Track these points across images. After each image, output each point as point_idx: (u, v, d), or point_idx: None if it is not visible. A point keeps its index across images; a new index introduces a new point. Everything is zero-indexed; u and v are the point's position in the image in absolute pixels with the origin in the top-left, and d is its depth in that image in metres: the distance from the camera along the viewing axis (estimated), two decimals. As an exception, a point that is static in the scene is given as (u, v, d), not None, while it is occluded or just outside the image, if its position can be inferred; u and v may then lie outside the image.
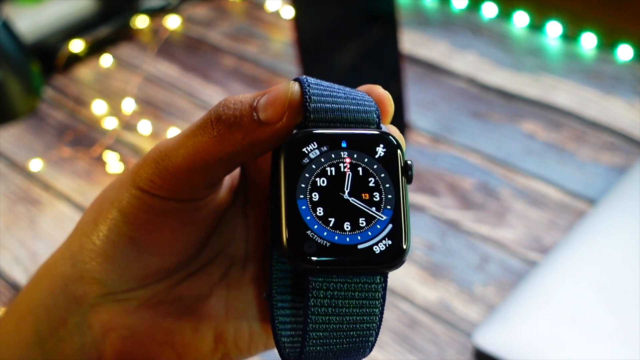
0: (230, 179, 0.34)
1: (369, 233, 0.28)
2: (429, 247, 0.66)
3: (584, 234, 0.62)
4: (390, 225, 0.28)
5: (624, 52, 0.85)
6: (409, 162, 0.29)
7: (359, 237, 0.28)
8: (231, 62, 0.94)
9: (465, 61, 0.88)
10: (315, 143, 0.28)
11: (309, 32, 0.70)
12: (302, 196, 0.28)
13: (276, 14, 1.02)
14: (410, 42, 0.92)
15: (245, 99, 0.29)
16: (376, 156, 0.28)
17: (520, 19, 0.93)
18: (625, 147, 0.74)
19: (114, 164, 0.79)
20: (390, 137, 0.29)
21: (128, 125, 0.85)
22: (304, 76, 0.30)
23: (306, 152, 0.28)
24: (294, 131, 0.29)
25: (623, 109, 0.78)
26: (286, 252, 0.28)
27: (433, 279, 0.63)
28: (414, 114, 0.80)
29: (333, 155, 0.28)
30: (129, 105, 0.87)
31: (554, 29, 0.90)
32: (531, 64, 0.87)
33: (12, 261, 0.70)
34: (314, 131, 0.28)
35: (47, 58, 0.95)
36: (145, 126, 0.84)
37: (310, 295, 0.28)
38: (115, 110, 0.87)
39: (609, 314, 0.55)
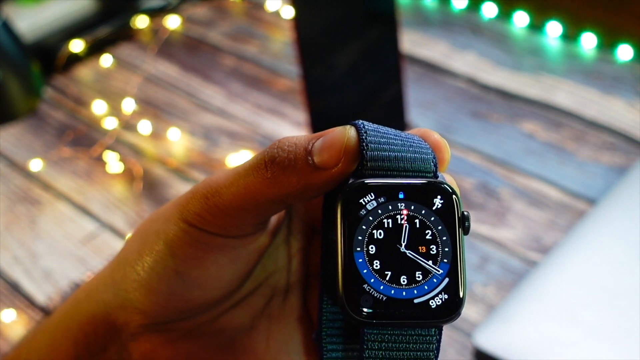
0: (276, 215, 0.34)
1: (426, 287, 0.28)
2: (429, 247, 0.66)
3: (584, 234, 0.62)
4: (446, 279, 0.28)
5: (624, 52, 0.85)
6: (465, 213, 0.28)
7: (415, 291, 0.28)
8: (231, 62, 0.94)
9: (465, 61, 0.88)
10: (372, 194, 0.28)
11: (309, 32, 0.70)
12: (358, 249, 0.28)
13: (276, 14, 1.02)
14: (410, 42, 0.92)
15: (299, 141, 0.29)
16: (433, 208, 0.28)
17: (520, 19, 0.93)
18: (625, 147, 0.74)
19: (114, 164, 0.79)
20: (447, 187, 0.28)
21: (128, 125, 0.85)
22: (361, 121, 0.29)
23: (363, 203, 0.28)
24: (350, 179, 0.28)
25: (623, 109, 0.78)
26: (342, 305, 0.28)
27: (433, 279, 0.63)
28: (414, 114, 0.80)
29: (390, 207, 0.28)
30: (129, 105, 0.87)
31: (554, 29, 0.90)
32: (531, 64, 0.87)
33: (12, 261, 0.70)
34: (371, 182, 0.28)
35: (47, 58, 0.95)
36: (145, 126, 0.84)
37: (366, 347, 0.28)
38: (115, 110, 0.87)
39: (608, 314, 0.55)
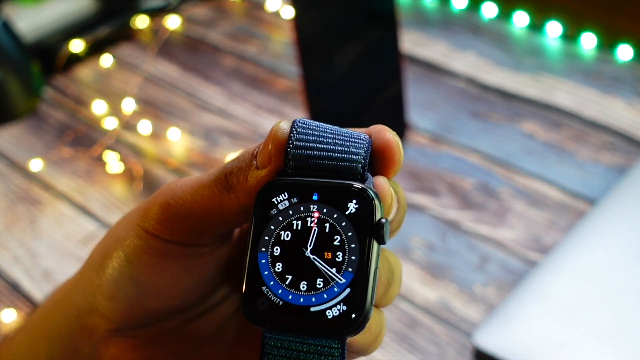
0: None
1: (325, 296, 0.26)
2: (429, 247, 0.66)
3: (584, 234, 0.62)
4: (348, 290, 0.26)
5: (624, 52, 0.85)
6: (382, 221, 0.26)
7: (313, 299, 0.26)
8: (231, 62, 0.94)
9: (465, 61, 0.88)
10: (286, 193, 0.27)
11: (309, 32, 0.70)
12: (263, 249, 0.27)
13: (276, 14, 1.02)
14: (410, 42, 0.92)
15: (251, 148, 0.29)
16: (346, 212, 0.26)
17: (520, 19, 0.93)
18: (625, 147, 0.74)
19: (114, 164, 0.79)
20: (368, 192, 0.26)
21: (128, 125, 0.85)
22: (300, 118, 0.28)
23: (275, 202, 0.27)
24: (275, 177, 0.27)
25: (623, 109, 0.78)
26: (242, 305, 0.27)
27: (433, 279, 0.63)
28: (414, 114, 0.80)
29: (302, 208, 0.27)
30: (129, 105, 0.87)
31: (554, 29, 0.90)
32: (531, 64, 0.87)
33: (12, 261, 0.70)
34: (285, 180, 0.27)
35: (47, 58, 0.95)
36: (145, 126, 0.84)
37: (264, 351, 0.27)
38: (115, 110, 0.87)
39: (609, 314, 0.55)
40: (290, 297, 0.26)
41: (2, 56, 0.86)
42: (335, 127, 0.28)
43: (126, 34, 1.00)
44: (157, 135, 0.83)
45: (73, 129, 0.85)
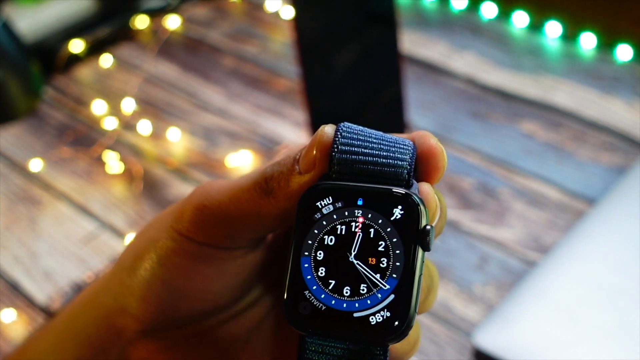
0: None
1: (368, 302, 0.26)
2: (428, 247, 0.66)
3: (584, 234, 0.62)
4: (392, 296, 0.26)
5: (624, 52, 0.85)
6: (427, 228, 0.26)
7: (356, 305, 0.26)
8: (231, 62, 0.94)
9: (465, 61, 0.88)
10: (330, 198, 0.26)
11: (309, 32, 0.70)
12: (306, 253, 0.26)
13: (276, 14, 1.02)
14: (410, 42, 0.92)
15: (291, 152, 0.28)
16: (392, 218, 0.26)
17: (520, 19, 0.93)
18: (625, 147, 0.74)
19: (114, 164, 0.79)
20: (414, 198, 0.26)
21: (128, 125, 0.85)
22: (344, 123, 0.28)
23: (319, 206, 0.27)
24: (318, 181, 0.27)
25: (622, 109, 0.78)
26: (283, 309, 0.27)
27: (433, 279, 0.63)
28: (414, 114, 0.80)
29: (346, 213, 0.26)
30: (129, 105, 0.87)
31: (553, 29, 0.90)
32: (531, 64, 0.87)
33: (12, 261, 0.70)
34: (330, 184, 0.27)
35: (47, 58, 0.95)
36: (145, 126, 0.84)
37: (305, 356, 0.27)
38: (115, 110, 0.87)
39: (608, 314, 0.55)
40: (333, 302, 0.26)
41: (2, 56, 0.86)
42: (379, 132, 0.28)
43: (126, 34, 1.00)
44: (157, 135, 0.83)
45: (73, 129, 0.85)
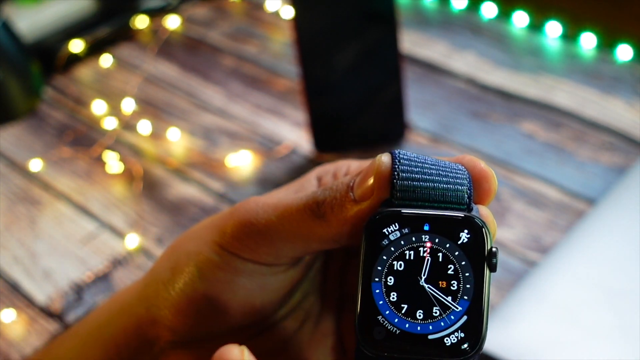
0: None
1: (442, 324, 0.27)
2: (428, 247, 0.66)
3: (584, 234, 0.62)
4: (464, 317, 0.27)
5: (624, 52, 0.85)
6: (493, 250, 0.28)
7: (430, 327, 0.27)
8: (231, 62, 0.94)
9: (465, 61, 0.88)
10: (396, 224, 0.27)
11: (309, 32, 0.70)
12: (377, 279, 0.27)
13: (276, 14, 1.02)
14: (410, 42, 0.92)
15: (345, 179, 0.29)
16: (459, 242, 0.27)
17: (520, 19, 0.93)
18: (625, 147, 0.74)
19: (114, 164, 0.79)
20: (477, 220, 0.27)
21: (128, 125, 0.85)
22: (398, 150, 0.29)
23: (386, 233, 0.27)
24: (380, 209, 0.28)
25: (623, 109, 0.78)
26: (356, 335, 0.27)
27: (433, 279, 0.63)
28: (414, 114, 0.80)
29: (414, 239, 0.27)
30: (129, 105, 0.87)
31: (553, 29, 0.90)
32: (531, 64, 0.87)
33: (12, 261, 0.70)
34: (396, 211, 0.27)
35: (47, 58, 0.95)
36: (145, 126, 0.84)
37: None
38: (115, 110, 0.87)
39: (608, 314, 0.55)
40: (407, 325, 0.27)
41: (2, 56, 0.86)
42: (432, 158, 0.29)
43: (126, 34, 1.00)
44: (157, 135, 0.83)
45: (73, 129, 0.85)
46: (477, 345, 0.27)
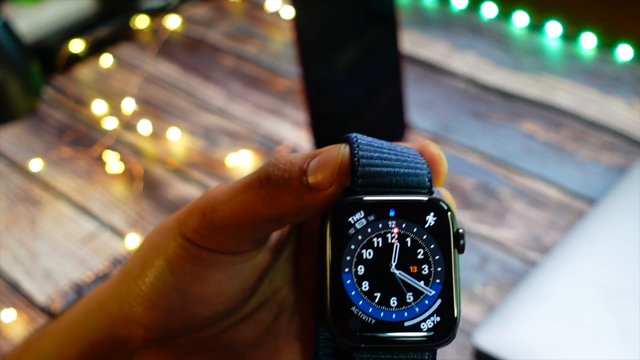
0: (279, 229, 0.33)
1: (417, 309, 0.27)
2: (428, 247, 0.66)
3: (584, 234, 0.62)
4: (439, 301, 0.27)
5: (624, 52, 0.85)
6: (460, 231, 0.27)
7: (405, 314, 0.27)
8: (231, 62, 0.94)
9: (465, 61, 0.88)
10: (362, 212, 0.27)
11: (309, 32, 0.70)
12: (347, 270, 0.27)
13: (276, 14, 1.02)
14: (410, 42, 0.92)
15: (295, 159, 0.28)
16: (426, 225, 0.27)
17: (520, 19, 0.93)
18: (625, 147, 0.74)
19: (114, 164, 0.79)
20: (442, 203, 0.27)
21: (128, 125, 0.85)
22: (355, 134, 0.28)
23: (352, 222, 0.27)
24: (342, 197, 0.27)
25: (623, 109, 0.78)
26: (330, 328, 0.27)
27: (433, 279, 0.63)
28: (414, 114, 0.80)
29: (380, 225, 0.27)
30: (129, 105, 0.87)
31: (553, 29, 0.90)
32: (531, 64, 0.87)
33: (12, 261, 0.70)
34: (361, 199, 0.27)
35: (47, 58, 0.95)
36: (145, 126, 0.84)
37: None
38: (115, 110, 0.87)
39: (609, 314, 0.55)
40: (382, 314, 0.27)
41: (2, 56, 0.86)
42: (388, 142, 0.29)
43: (126, 34, 1.00)
44: (157, 135, 0.83)
45: (73, 129, 0.85)
46: (452, 328, 0.26)
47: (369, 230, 0.27)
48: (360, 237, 0.27)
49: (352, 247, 0.27)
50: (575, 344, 0.53)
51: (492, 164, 0.74)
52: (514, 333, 0.55)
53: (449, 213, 0.27)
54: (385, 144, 0.28)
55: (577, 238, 0.61)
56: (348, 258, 0.27)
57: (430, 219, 0.27)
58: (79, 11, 1.00)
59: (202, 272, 0.30)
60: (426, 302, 0.27)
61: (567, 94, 0.81)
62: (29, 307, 0.65)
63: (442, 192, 0.28)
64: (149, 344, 0.32)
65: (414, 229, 0.27)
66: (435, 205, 0.27)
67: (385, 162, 0.27)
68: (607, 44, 0.87)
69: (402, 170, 0.27)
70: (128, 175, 0.78)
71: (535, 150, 0.75)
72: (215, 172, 0.77)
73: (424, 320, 0.26)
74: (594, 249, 0.60)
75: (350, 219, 0.27)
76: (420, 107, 0.82)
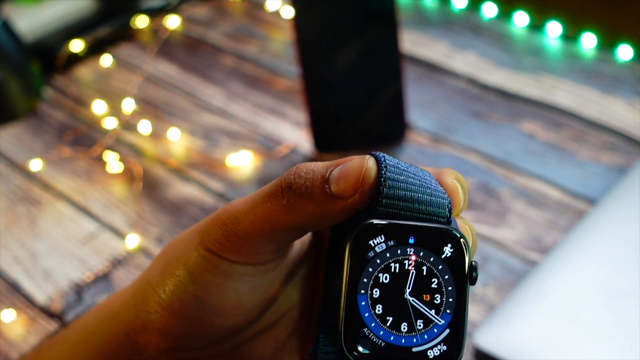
0: (300, 243, 0.33)
1: (425, 336, 0.27)
2: (429, 247, 0.66)
3: (584, 234, 0.62)
4: (447, 331, 0.27)
5: (624, 52, 0.85)
6: (474, 264, 0.28)
7: (414, 340, 0.27)
8: (231, 62, 0.94)
9: (465, 61, 0.88)
10: (382, 236, 0.27)
11: (309, 32, 0.70)
12: (362, 291, 0.27)
13: (276, 14, 1.02)
14: (410, 42, 0.92)
15: (317, 168, 0.28)
16: (442, 256, 0.28)
17: (520, 19, 0.93)
18: (625, 147, 0.74)
19: (114, 164, 0.79)
20: (459, 236, 0.28)
21: (128, 125, 0.85)
22: (381, 154, 0.29)
23: (372, 245, 0.27)
24: (362, 215, 0.28)
25: (623, 109, 0.78)
26: (340, 346, 0.27)
27: (433, 279, 0.63)
28: (414, 114, 0.80)
29: (399, 251, 0.28)
30: (129, 105, 0.87)
31: (554, 29, 0.90)
32: (531, 64, 0.87)
33: (12, 261, 0.70)
34: (383, 223, 0.27)
35: (47, 58, 0.95)
36: (145, 126, 0.84)
37: None
38: (115, 110, 0.87)
39: (609, 314, 0.55)
40: (392, 338, 0.27)
41: (2, 56, 0.86)
42: (411, 165, 0.29)
43: (126, 34, 1.00)
44: (157, 135, 0.83)
45: (73, 129, 0.85)
46: (456, 358, 0.27)
47: (388, 255, 0.28)
48: (378, 261, 0.28)
49: (370, 269, 0.28)
50: (575, 344, 0.53)
51: (492, 164, 0.74)
52: (514, 333, 0.55)
53: (465, 246, 0.28)
54: (409, 167, 0.29)
55: (577, 238, 0.61)
56: (365, 280, 0.27)
57: (448, 250, 0.28)
58: (79, 11, 1.00)
59: (223, 282, 0.30)
60: (435, 330, 0.27)
61: (567, 94, 0.81)
62: (29, 307, 0.65)
63: (459, 223, 0.29)
64: (164, 354, 0.32)
65: (430, 258, 0.28)
66: (453, 237, 0.28)
67: (409, 186, 0.28)
68: (607, 43, 0.87)
69: (425, 197, 0.28)
70: (128, 175, 0.78)
71: (535, 150, 0.74)
72: (215, 172, 0.77)
73: (431, 348, 0.27)
74: (594, 249, 0.60)
75: (370, 242, 0.28)
76: (421, 107, 0.82)
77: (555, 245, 0.63)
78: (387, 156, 0.29)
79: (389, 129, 0.76)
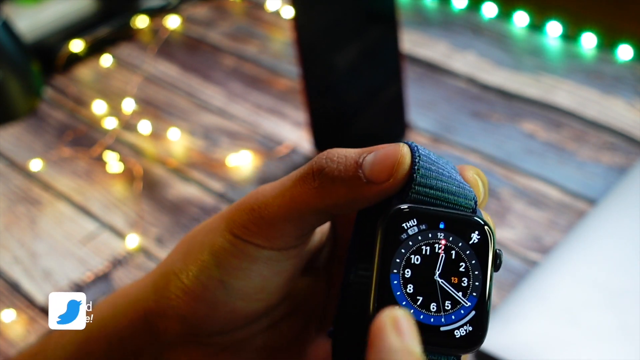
0: (319, 233, 0.34)
1: (453, 317, 0.29)
2: (429, 247, 0.66)
3: (584, 234, 0.62)
4: (473, 312, 0.29)
5: (624, 52, 0.85)
6: (498, 252, 0.30)
7: (442, 320, 0.29)
8: (231, 62, 0.94)
9: (465, 61, 0.88)
10: (415, 220, 0.29)
11: (309, 32, 0.70)
12: (395, 271, 0.29)
13: (276, 14, 1.02)
14: (410, 42, 0.92)
15: (350, 153, 0.29)
16: (470, 242, 0.29)
17: (520, 19, 0.93)
18: (625, 147, 0.74)
19: (114, 164, 0.79)
20: (486, 225, 0.29)
21: (128, 125, 0.85)
22: (414, 143, 0.30)
23: (405, 227, 0.29)
24: (394, 200, 0.29)
25: (623, 109, 0.78)
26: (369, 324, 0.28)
27: (433, 279, 0.63)
28: (414, 114, 0.80)
29: (430, 235, 0.29)
30: (129, 105, 0.87)
31: (554, 29, 0.90)
32: (531, 64, 0.87)
33: (12, 261, 0.70)
34: (416, 207, 0.29)
35: (47, 58, 0.95)
36: (145, 126, 0.84)
37: None
38: (115, 110, 0.87)
39: (609, 314, 0.55)
40: (421, 317, 0.29)
41: (2, 56, 0.86)
42: (442, 158, 0.31)
43: (126, 34, 1.00)
44: (157, 135, 0.83)
45: (73, 129, 0.85)
46: (482, 339, 0.29)
47: (420, 238, 0.29)
48: (410, 243, 0.29)
49: (403, 250, 0.29)
50: (575, 344, 0.53)
51: (492, 164, 0.74)
52: (514, 333, 0.55)
53: (490, 234, 0.29)
54: (439, 159, 0.30)
55: (578, 238, 0.61)
56: (397, 260, 0.29)
57: (475, 236, 0.29)
58: (79, 11, 1.00)
59: (249, 267, 0.31)
60: (462, 311, 0.29)
61: (567, 94, 0.81)
62: (29, 307, 0.65)
63: (484, 215, 0.30)
64: (183, 339, 0.32)
65: (459, 244, 0.29)
66: (480, 225, 0.29)
67: (440, 176, 0.30)
68: (607, 43, 0.87)
69: (453, 188, 0.30)
70: (128, 175, 0.78)
71: (535, 150, 0.74)
72: (215, 172, 0.77)
73: (458, 328, 0.28)
74: (594, 249, 0.60)
75: (403, 225, 0.29)
76: (421, 107, 0.82)
77: (555, 245, 0.63)
78: (419, 146, 0.30)
79: (389, 129, 0.76)
